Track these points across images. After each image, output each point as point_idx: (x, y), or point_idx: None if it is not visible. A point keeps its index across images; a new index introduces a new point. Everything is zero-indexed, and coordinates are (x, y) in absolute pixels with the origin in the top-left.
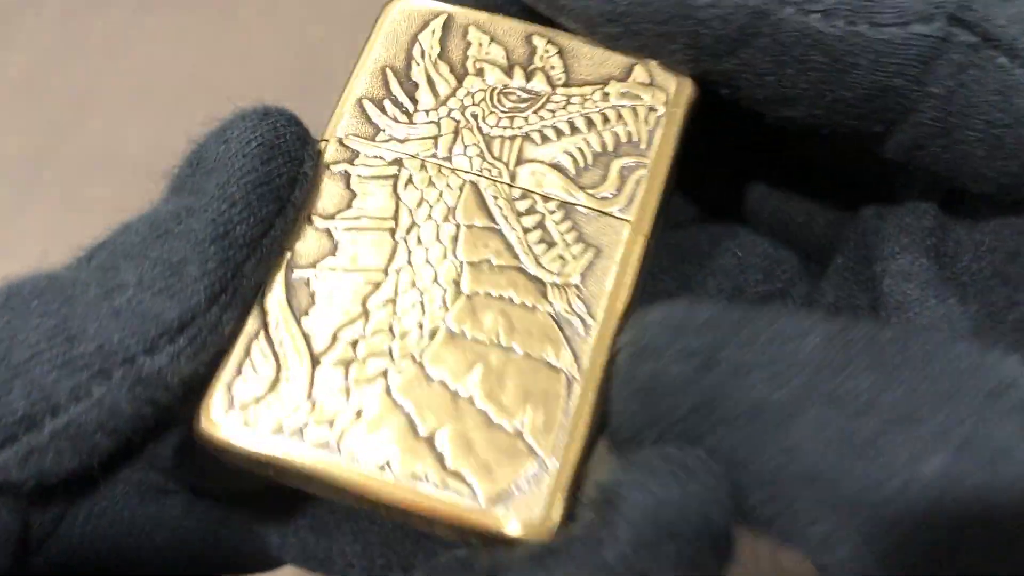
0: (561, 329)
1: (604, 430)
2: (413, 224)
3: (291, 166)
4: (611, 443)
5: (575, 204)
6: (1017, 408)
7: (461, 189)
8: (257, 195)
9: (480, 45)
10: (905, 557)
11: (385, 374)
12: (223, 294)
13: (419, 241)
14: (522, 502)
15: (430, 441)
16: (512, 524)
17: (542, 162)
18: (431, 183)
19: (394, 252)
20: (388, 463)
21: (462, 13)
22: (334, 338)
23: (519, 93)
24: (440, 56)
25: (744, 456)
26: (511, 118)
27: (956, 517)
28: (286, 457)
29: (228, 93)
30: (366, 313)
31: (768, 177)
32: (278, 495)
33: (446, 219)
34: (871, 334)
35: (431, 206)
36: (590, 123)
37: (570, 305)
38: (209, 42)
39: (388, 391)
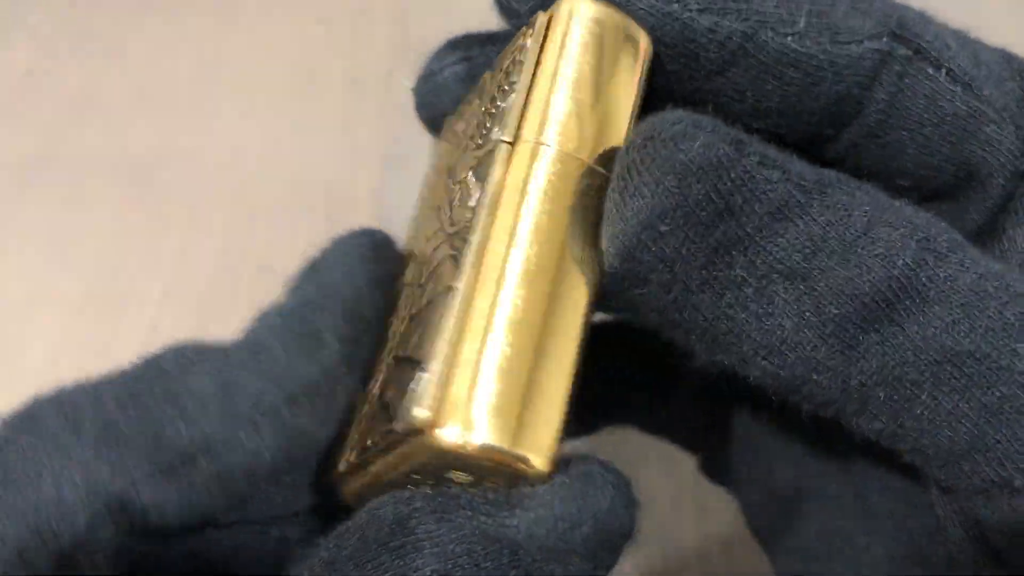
0: (456, 258)
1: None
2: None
3: (391, 268)
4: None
5: (498, 140)
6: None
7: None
8: (369, 288)
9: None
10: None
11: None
12: (351, 362)
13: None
14: (409, 403)
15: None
16: (398, 422)
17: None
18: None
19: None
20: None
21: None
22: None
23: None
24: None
25: (753, 254)
26: (505, 92)
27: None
28: None
29: (228, 93)
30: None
31: None
32: None
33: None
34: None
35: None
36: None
37: (465, 237)
38: (209, 42)
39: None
